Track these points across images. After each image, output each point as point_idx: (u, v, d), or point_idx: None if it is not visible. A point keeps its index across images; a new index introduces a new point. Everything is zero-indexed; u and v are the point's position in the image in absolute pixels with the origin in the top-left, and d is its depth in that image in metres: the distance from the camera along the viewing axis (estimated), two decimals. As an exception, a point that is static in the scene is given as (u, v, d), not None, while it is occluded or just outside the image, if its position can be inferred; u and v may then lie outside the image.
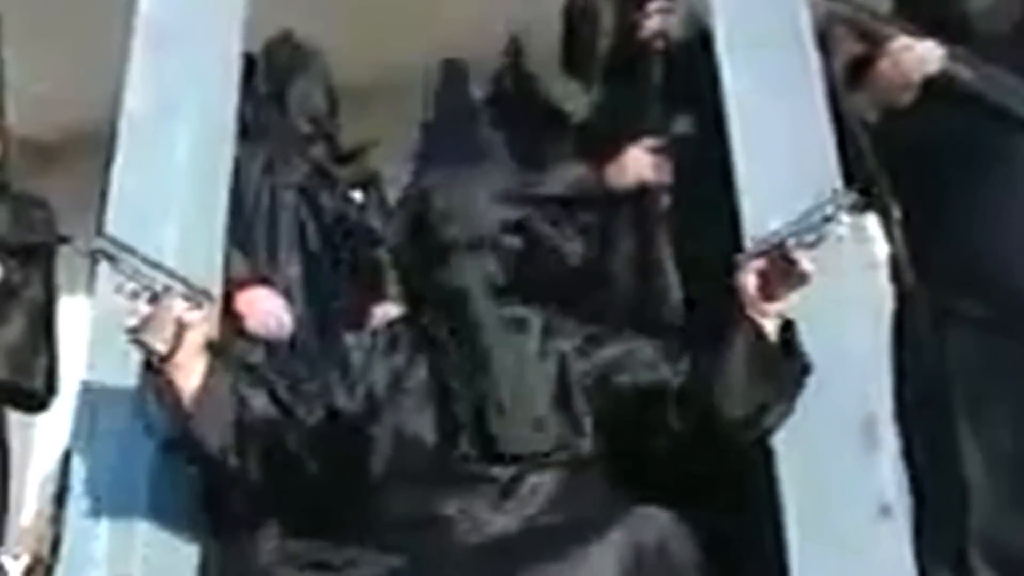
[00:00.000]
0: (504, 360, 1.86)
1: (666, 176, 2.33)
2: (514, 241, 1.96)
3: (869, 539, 1.72)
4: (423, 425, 1.85)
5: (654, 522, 1.61)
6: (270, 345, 2.59)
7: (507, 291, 1.93)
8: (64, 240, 2.62)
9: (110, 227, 2.16)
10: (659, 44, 2.43)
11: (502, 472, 1.77)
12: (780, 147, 1.98)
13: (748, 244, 1.88)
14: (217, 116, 2.32)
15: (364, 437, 1.86)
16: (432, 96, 2.58)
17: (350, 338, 2.03)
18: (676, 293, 2.23)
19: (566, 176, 2.41)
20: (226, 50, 2.39)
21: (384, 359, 1.93)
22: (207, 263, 2.18)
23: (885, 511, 1.73)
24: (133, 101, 2.30)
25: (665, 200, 2.32)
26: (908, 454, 1.91)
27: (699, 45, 2.27)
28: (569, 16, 2.59)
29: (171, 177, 2.22)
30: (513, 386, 1.83)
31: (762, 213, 1.93)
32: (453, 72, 2.58)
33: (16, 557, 3.31)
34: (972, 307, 2.10)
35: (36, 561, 3.42)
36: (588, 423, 1.85)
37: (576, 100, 2.61)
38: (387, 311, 2.66)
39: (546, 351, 1.90)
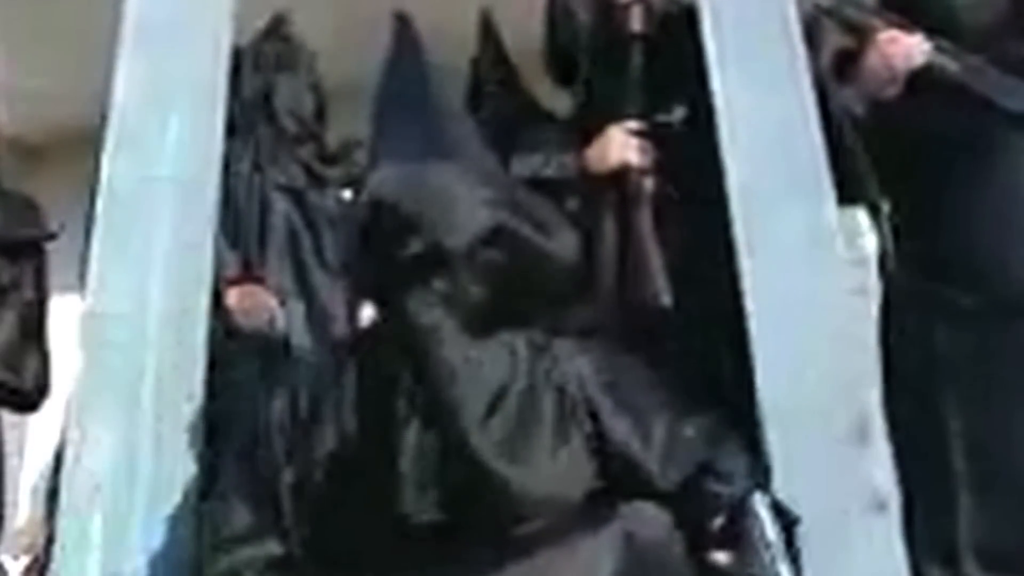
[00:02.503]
0: (478, 409, 1.62)
1: (649, 158, 2.30)
2: (493, 254, 1.70)
3: (862, 534, 1.72)
4: (406, 490, 1.62)
5: (649, 517, 1.59)
6: (265, 342, 2.60)
7: (487, 316, 1.69)
8: (52, 237, 2.62)
9: (99, 228, 2.16)
10: (637, 26, 2.39)
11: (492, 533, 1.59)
12: (769, 145, 1.98)
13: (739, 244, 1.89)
14: (207, 112, 2.31)
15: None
16: (383, 66, 2.38)
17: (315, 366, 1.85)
18: (662, 280, 2.20)
19: (547, 161, 2.37)
20: (216, 46, 2.38)
21: (337, 390, 1.73)
22: (198, 264, 2.18)
23: (878, 505, 1.74)
24: (122, 97, 2.29)
25: (649, 183, 2.29)
26: (896, 447, 1.91)
27: (684, 22, 2.25)
28: (551, 18, 2.57)
29: (160, 173, 2.21)
30: (490, 435, 1.61)
31: (752, 212, 1.94)
32: (405, 34, 2.41)
33: (16, 557, 3.30)
34: (959, 297, 2.12)
35: (33, 561, 3.42)
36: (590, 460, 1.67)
37: (560, 98, 2.59)
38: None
39: (535, 386, 1.68)
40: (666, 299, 2.16)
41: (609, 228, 2.27)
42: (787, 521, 1.62)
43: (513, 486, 1.61)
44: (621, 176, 2.29)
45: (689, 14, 2.19)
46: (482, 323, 1.68)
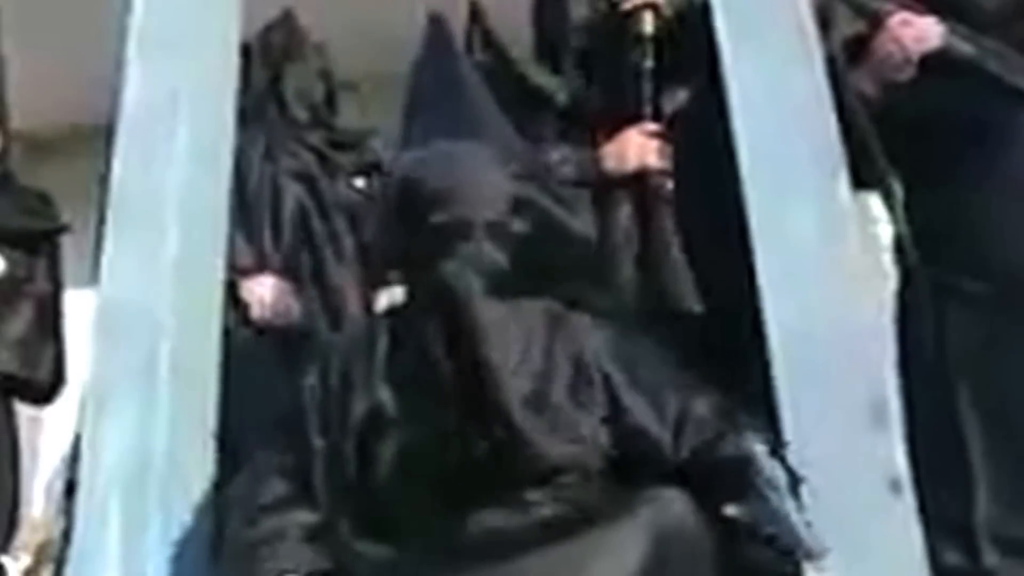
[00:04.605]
0: (506, 367, 1.68)
1: (667, 160, 2.31)
2: (520, 224, 1.79)
3: (880, 517, 1.72)
4: (431, 447, 1.68)
5: (676, 505, 1.60)
6: (282, 332, 2.60)
7: (510, 282, 1.75)
8: (65, 229, 2.63)
9: (112, 221, 2.16)
10: (648, 24, 2.40)
11: (517, 493, 1.65)
12: (782, 129, 1.97)
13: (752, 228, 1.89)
14: (217, 108, 2.31)
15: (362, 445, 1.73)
16: (415, 63, 2.44)
17: (345, 342, 1.89)
18: (688, 283, 2.21)
19: (563, 159, 2.37)
20: (225, 41, 2.39)
21: (368, 359, 1.78)
22: (210, 254, 2.19)
23: (895, 488, 1.73)
24: (131, 95, 2.29)
25: (668, 185, 2.30)
26: (913, 431, 1.91)
27: (695, 16, 2.24)
28: (539, 4, 2.58)
29: (172, 170, 2.21)
30: (518, 393, 1.67)
31: (766, 196, 1.93)
32: (437, 33, 2.41)
33: (16, 558, 3.30)
34: (969, 284, 2.11)
35: (41, 551, 3.42)
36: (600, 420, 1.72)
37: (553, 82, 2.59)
38: (393, 295, 2.66)
39: (552, 349, 1.75)
40: (693, 303, 2.17)
41: (625, 228, 2.28)
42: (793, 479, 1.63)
43: (535, 446, 1.65)
44: (639, 177, 2.30)
45: (702, 9, 2.19)
46: (504, 289, 1.74)
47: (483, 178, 1.79)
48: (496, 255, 1.75)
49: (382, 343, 1.80)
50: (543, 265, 1.82)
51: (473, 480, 1.64)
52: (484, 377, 1.65)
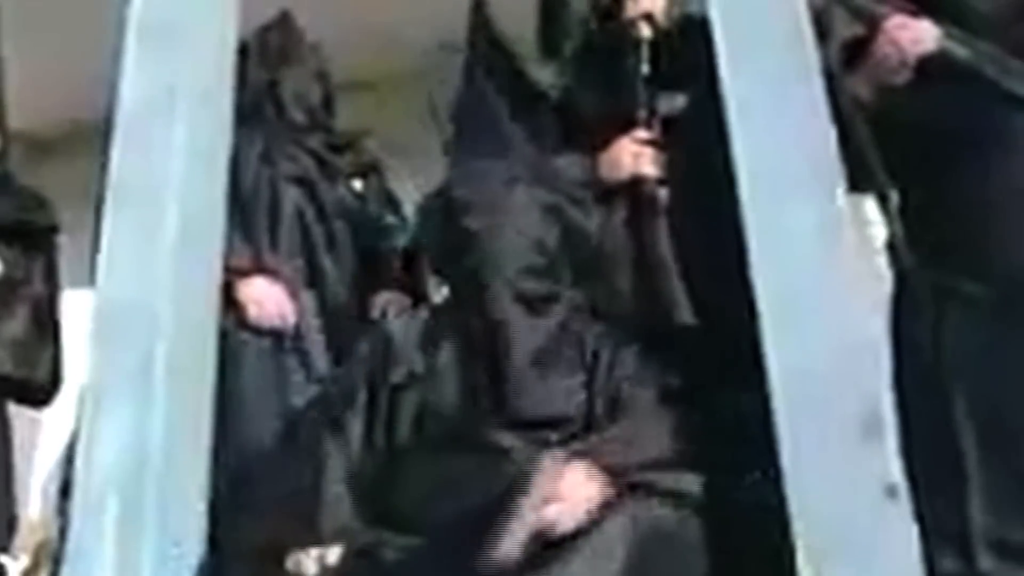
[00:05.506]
0: (524, 334, 1.92)
1: (662, 169, 2.31)
2: (551, 230, 2.01)
3: (876, 522, 1.72)
4: (449, 402, 1.91)
5: (656, 504, 1.66)
6: (276, 335, 2.60)
7: (536, 274, 1.97)
8: (55, 227, 2.63)
9: (108, 219, 2.16)
10: (645, 31, 2.41)
11: (526, 447, 1.81)
12: (780, 140, 1.97)
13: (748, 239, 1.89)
14: (215, 106, 2.31)
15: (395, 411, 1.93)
16: (453, 104, 2.65)
17: (393, 323, 2.13)
18: (681, 295, 2.22)
19: (572, 162, 2.38)
20: (222, 39, 2.38)
21: (419, 343, 2.01)
22: (208, 254, 2.18)
23: (891, 493, 1.73)
24: (128, 91, 2.29)
25: (663, 193, 2.30)
26: (907, 437, 1.91)
27: (692, 28, 2.25)
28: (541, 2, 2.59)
29: (170, 168, 2.21)
30: (533, 357, 1.90)
31: (762, 207, 1.92)
32: (472, 80, 2.62)
33: (15, 558, 3.31)
34: (967, 286, 2.11)
35: (39, 550, 3.42)
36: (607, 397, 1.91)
37: (553, 81, 2.60)
38: (388, 300, 2.68)
39: (563, 332, 1.96)
40: (685, 316, 2.18)
41: (620, 235, 2.28)
42: None
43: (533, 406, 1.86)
44: (633, 185, 2.30)
45: (701, 21, 2.19)
46: (531, 276, 1.97)
47: (513, 189, 2.02)
48: (527, 255, 1.97)
49: (422, 319, 2.07)
50: (561, 262, 2.03)
51: (476, 435, 1.84)
52: (498, 341, 1.90)
